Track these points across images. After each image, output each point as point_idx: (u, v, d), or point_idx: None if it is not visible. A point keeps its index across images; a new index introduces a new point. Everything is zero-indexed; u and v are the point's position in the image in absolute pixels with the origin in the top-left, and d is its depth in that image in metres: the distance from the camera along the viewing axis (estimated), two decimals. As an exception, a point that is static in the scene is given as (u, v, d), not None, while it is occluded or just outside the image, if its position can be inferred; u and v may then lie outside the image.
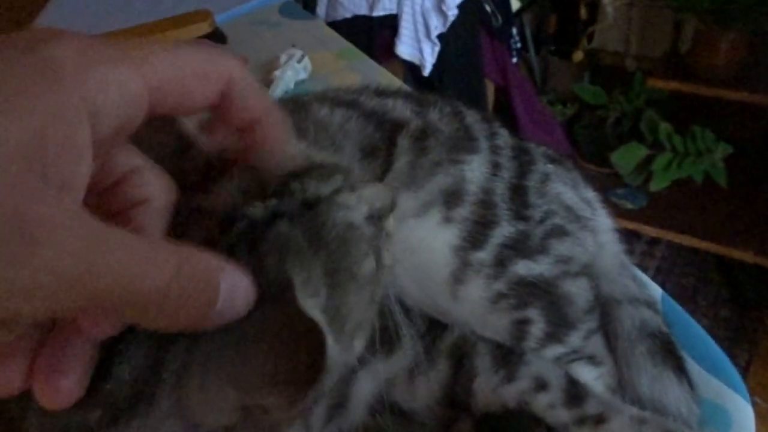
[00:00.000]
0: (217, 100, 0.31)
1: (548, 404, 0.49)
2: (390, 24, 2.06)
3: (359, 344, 0.37)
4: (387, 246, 0.40)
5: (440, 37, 2.03)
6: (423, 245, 0.53)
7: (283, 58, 1.04)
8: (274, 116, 0.33)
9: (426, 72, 2.09)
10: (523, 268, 0.54)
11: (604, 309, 0.58)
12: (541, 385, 0.50)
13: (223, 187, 0.33)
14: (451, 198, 0.55)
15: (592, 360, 0.54)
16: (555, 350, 0.53)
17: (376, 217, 0.39)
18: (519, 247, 0.55)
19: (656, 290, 0.66)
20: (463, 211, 0.55)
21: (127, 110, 0.26)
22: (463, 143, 0.60)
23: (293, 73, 1.02)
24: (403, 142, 0.59)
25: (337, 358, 0.32)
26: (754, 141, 2.13)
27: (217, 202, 0.33)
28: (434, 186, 0.55)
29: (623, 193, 2.12)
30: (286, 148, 0.35)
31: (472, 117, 0.65)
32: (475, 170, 0.58)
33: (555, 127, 2.28)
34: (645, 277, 0.68)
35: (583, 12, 2.42)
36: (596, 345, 0.55)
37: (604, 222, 0.66)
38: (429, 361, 0.52)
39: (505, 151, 0.62)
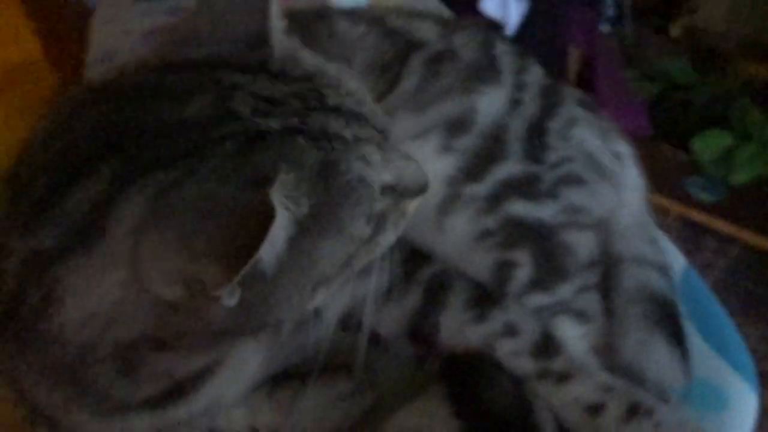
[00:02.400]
0: None
1: (513, 351, 0.46)
2: (477, -22, 1.99)
3: (318, 298, 0.36)
4: (397, 224, 0.39)
5: (526, -5, 1.95)
6: None
7: (342, -16, 1.01)
8: None
9: (509, 31, 2.01)
10: (520, 208, 0.51)
11: (610, 267, 0.54)
12: (510, 331, 0.47)
13: None
14: (456, 126, 0.52)
15: (580, 316, 0.50)
16: (539, 299, 0.50)
17: (398, 192, 0.38)
18: (522, 188, 0.52)
19: (678, 260, 0.61)
20: (467, 141, 0.52)
21: None
22: (483, 73, 0.56)
23: None
24: (416, 62, 0.56)
25: (290, 289, 0.32)
26: None
27: None
28: (439, 112, 0.52)
29: (700, 182, 1.97)
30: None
31: (502, 48, 0.61)
32: (490, 102, 0.54)
33: (636, 104, 2.14)
34: (670, 246, 0.63)
35: (689, -17, 2.24)
36: (590, 302, 0.51)
37: (632, 179, 0.61)
38: (403, 289, 0.50)
39: (532, 88, 0.58)
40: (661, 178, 2.09)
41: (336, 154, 0.33)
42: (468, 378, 0.48)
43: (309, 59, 0.38)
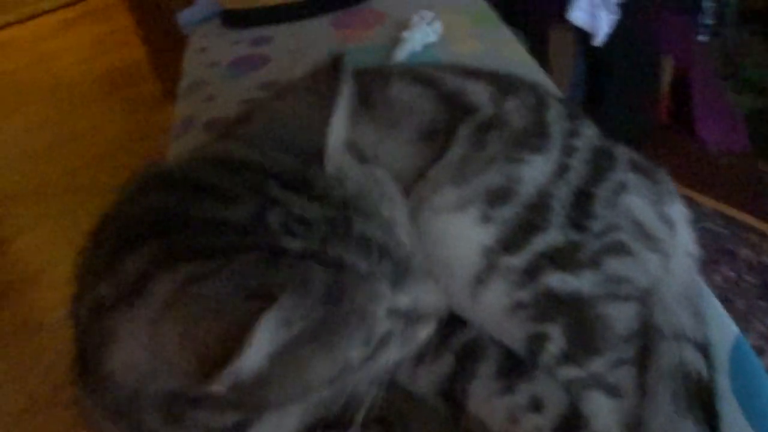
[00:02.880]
0: None
1: (536, 427, 0.48)
2: (567, -14, 1.94)
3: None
4: (405, 345, 0.42)
5: (620, 5, 1.88)
6: (453, 241, 0.52)
7: (415, 19, 1.04)
8: None
9: (597, 42, 1.95)
10: (556, 280, 0.52)
11: (648, 340, 0.54)
12: (536, 405, 0.49)
13: None
14: (497, 197, 0.53)
15: (611, 390, 0.51)
16: (570, 372, 0.51)
17: (411, 318, 0.42)
18: (561, 258, 0.53)
19: (729, 330, 0.59)
20: (507, 212, 0.53)
21: None
22: (530, 140, 0.57)
23: (422, 35, 1.02)
24: (464, 131, 0.58)
25: (277, 389, 0.37)
26: None
27: None
28: (481, 182, 0.54)
29: (800, 204, 1.85)
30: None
31: (555, 112, 0.62)
32: (535, 170, 0.56)
33: (735, 118, 2.03)
34: (723, 316, 0.61)
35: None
36: (623, 376, 0.52)
37: (683, 245, 0.60)
38: (437, 352, 0.53)
39: (581, 153, 0.59)
40: (758, 197, 1.99)
41: (344, 284, 0.37)
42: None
43: (355, 178, 0.42)
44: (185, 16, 1.29)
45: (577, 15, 1.96)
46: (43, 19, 3.71)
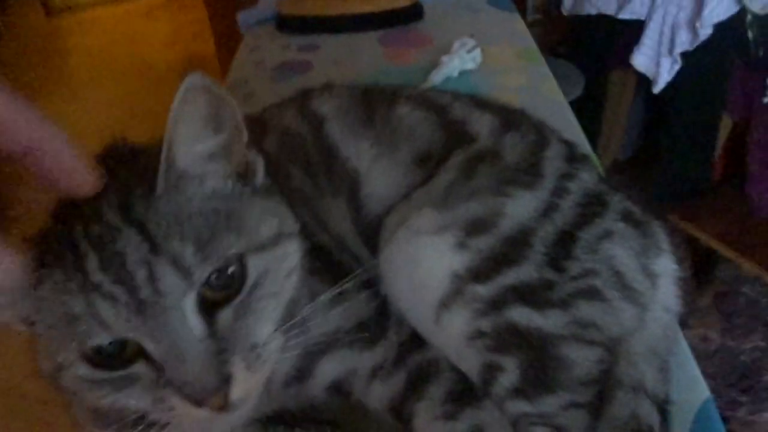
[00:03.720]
0: None
1: None
2: (634, 30, 1.93)
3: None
4: None
5: (684, 55, 1.86)
6: (425, 263, 0.54)
7: (456, 45, 1.06)
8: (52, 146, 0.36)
9: (657, 89, 1.93)
10: (521, 316, 0.53)
11: (607, 388, 0.54)
12: None
13: None
14: (476, 227, 0.55)
15: (559, 431, 0.52)
16: (519, 406, 0.52)
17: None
18: (530, 295, 0.54)
19: (700, 390, 0.59)
20: (483, 243, 0.54)
21: None
22: (520, 177, 0.58)
23: (460, 62, 1.04)
24: (456, 159, 0.59)
25: None
26: None
27: None
28: (462, 211, 0.55)
29: None
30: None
31: (554, 152, 0.63)
32: (520, 206, 0.57)
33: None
34: (696, 377, 0.61)
35: None
36: (574, 419, 0.52)
37: (662, 300, 0.60)
38: (390, 370, 0.54)
39: (572, 196, 0.59)
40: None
41: None
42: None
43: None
44: (244, 16, 1.35)
45: (640, 60, 1.94)
46: (132, 3, 3.91)
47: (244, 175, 0.46)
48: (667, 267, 0.61)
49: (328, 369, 0.54)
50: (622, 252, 0.58)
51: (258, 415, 0.54)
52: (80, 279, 0.39)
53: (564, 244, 0.56)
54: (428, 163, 0.60)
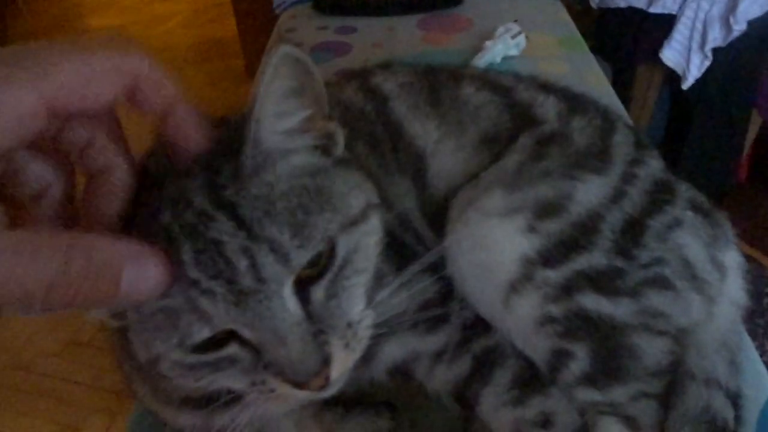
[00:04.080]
0: (125, 93, 0.34)
1: None
2: (664, 24, 1.90)
3: None
4: None
5: (715, 51, 1.83)
6: (495, 245, 0.53)
7: (500, 30, 1.04)
8: (181, 107, 0.36)
9: (686, 85, 1.90)
10: (591, 302, 0.51)
11: (678, 380, 0.53)
12: (544, 422, 0.48)
13: None
14: (546, 210, 0.53)
15: (629, 421, 0.50)
16: (588, 395, 0.50)
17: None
18: (600, 282, 0.52)
19: (763, 389, 0.57)
20: (553, 226, 0.53)
21: (23, 126, 0.30)
22: (591, 161, 0.57)
23: (503, 47, 1.02)
24: (525, 140, 0.58)
25: None
26: None
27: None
28: (533, 193, 0.54)
29: None
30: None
31: (621, 137, 0.61)
32: (590, 191, 0.55)
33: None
34: (761, 372, 0.59)
35: None
36: (644, 409, 0.51)
37: (731, 293, 0.58)
38: (456, 353, 0.53)
39: (641, 183, 0.58)
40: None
41: None
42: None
43: None
44: (280, -4, 1.33)
45: (669, 55, 1.91)
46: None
47: (326, 148, 0.44)
48: (735, 259, 0.60)
49: (391, 352, 0.53)
50: (692, 241, 0.57)
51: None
52: (177, 272, 0.36)
53: (633, 232, 0.55)
54: (495, 145, 0.58)
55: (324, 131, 0.44)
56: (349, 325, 0.42)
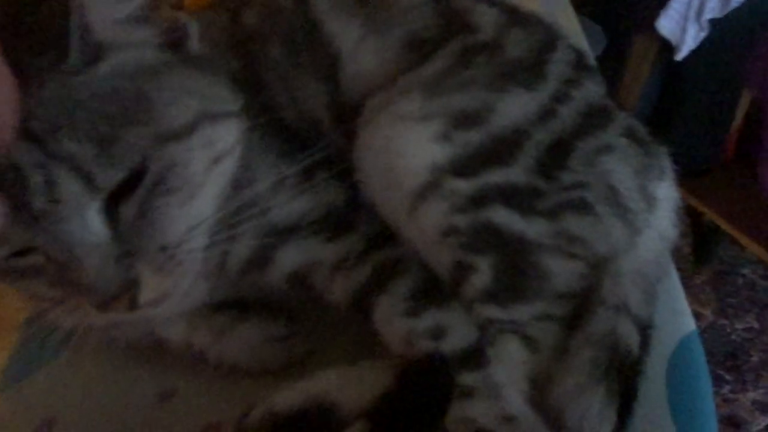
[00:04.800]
0: None
1: (428, 354, 0.45)
2: (661, -8, 1.86)
3: None
4: None
5: (710, 23, 1.78)
6: (405, 149, 0.50)
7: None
8: None
9: (679, 56, 1.86)
10: (502, 217, 0.49)
11: (587, 305, 0.51)
12: (436, 334, 0.46)
13: None
14: (465, 119, 0.50)
15: (529, 342, 0.48)
16: (489, 311, 0.48)
17: None
18: (515, 199, 0.50)
19: (684, 323, 0.55)
20: (470, 137, 0.50)
21: None
22: (521, 74, 0.54)
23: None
24: (453, 46, 0.55)
25: None
26: None
27: None
28: (453, 101, 0.51)
29: None
30: None
31: (561, 55, 0.58)
32: (516, 105, 0.52)
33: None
34: (683, 310, 0.57)
35: None
36: (546, 332, 0.49)
37: (658, 226, 0.56)
38: (355, 263, 0.51)
39: (574, 104, 0.55)
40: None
41: None
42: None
43: None
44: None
45: (665, 24, 1.86)
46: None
47: (174, 43, 0.40)
48: (668, 193, 0.57)
49: (289, 257, 0.51)
50: (620, 168, 0.54)
51: (213, 300, 0.51)
52: None
53: (558, 153, 0.52)
54: (421, 49, 0.55)
55: (171, 23, 0.40)
56: (164, 248, 0.39)
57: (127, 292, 0.37)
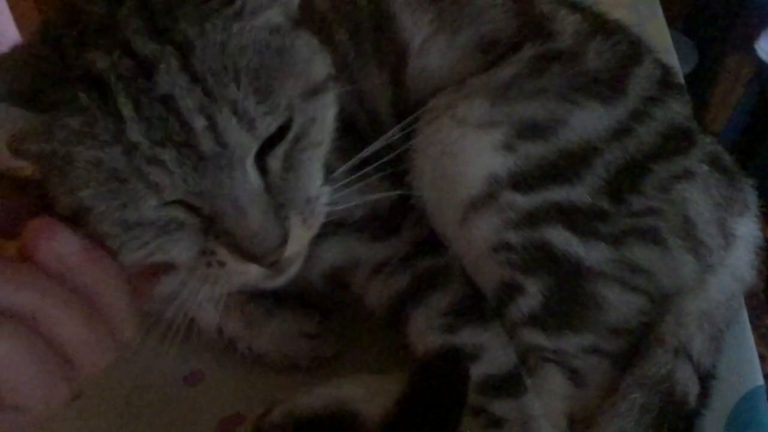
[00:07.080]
0: None
1: None
2: (761, 13, 1.75)
3: None
4: None
5: (816, 48, 1.66)
6: (462, 157, 0.47)
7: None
8: None
9: (778, 81, 1.75)
10: (559, 238, 0.45)
11: (645, 343, 0.46)
12: (471, 354, 0.43)
13: None
14: (530, 130, 0.47)
15: (573, 375, 0.44)
16: (533, 337, 0.45)
17: None
18: (575, 220, 0.46)
19: (752, 376, 0.50)
20: (534, 149, 0.47)
21: None
22: (597, 87, 0.50)
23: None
24: (527, 52, 0.51)
25: None
26: None
27: None
28: (520, 110, 0.47)
29: None
30: None
31: (645, 71, 0.53)
32: (588, 119, 0.48)
33: None
34: (753, 361, 0.52)
35: None
36: (594, 367, 0.45)
37: (735, 266, 0.51)
38: (396, 269, 0.48)
39: (655, 124, 0.50)
40: None
41: None
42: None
43: None
44: None
45: (765, 47, 1.75)
46: None
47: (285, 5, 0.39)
48: (749, 230, 0.52)
49: (331, 254, 0.49)
50: (699, 198, 0.49)
51: (243, 290, 0.49)
52: (114, 129, 0.32)
53: (631, 175, 0.48)
54: (493, 52, 0.52)
55: None
56: (308, 200, 0.38)
57: (285, 244, 0.37)
